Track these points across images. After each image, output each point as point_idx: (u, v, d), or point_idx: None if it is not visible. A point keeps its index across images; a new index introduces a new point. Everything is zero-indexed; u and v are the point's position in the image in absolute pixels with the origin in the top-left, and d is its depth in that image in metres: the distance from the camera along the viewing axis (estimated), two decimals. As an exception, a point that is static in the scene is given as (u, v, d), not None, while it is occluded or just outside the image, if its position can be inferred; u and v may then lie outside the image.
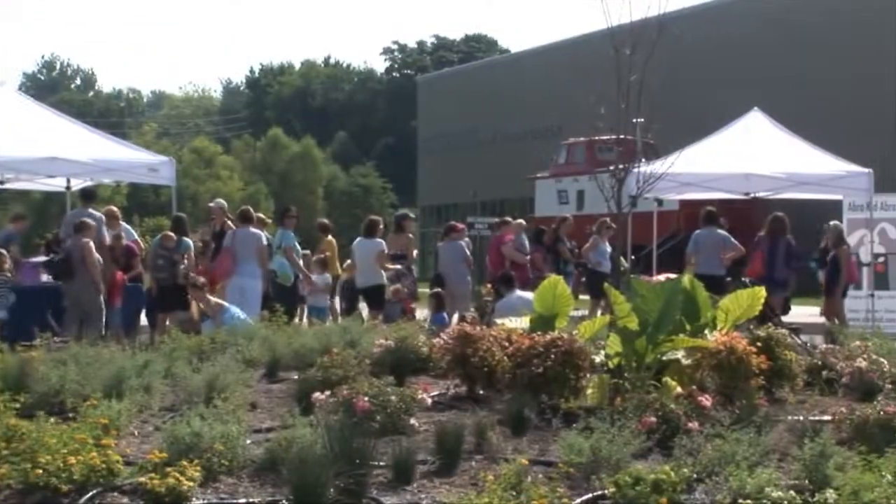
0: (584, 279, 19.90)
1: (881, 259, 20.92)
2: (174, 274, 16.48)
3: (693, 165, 16.70)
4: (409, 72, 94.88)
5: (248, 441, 7.03)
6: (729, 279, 17.51)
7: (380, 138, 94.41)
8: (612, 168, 11.95)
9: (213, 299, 14.72)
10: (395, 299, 17.00)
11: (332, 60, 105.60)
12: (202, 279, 15.24)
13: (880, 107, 37.11)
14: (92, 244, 15.43)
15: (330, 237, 19.81)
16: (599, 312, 16.49)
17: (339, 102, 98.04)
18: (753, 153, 17.56)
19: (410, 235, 19.13)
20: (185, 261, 16.68)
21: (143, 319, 17.36)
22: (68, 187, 19.65)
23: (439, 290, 17.13)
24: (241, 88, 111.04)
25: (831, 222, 18.02)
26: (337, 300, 19.25)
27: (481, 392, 8.80)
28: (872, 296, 18.49)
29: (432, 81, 69.78)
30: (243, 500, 6.11)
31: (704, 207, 18.38)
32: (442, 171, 60.77)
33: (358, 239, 17.60)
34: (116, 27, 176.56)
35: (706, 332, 9.37)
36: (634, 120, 11.90)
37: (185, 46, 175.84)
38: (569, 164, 37.29)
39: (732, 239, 17.90)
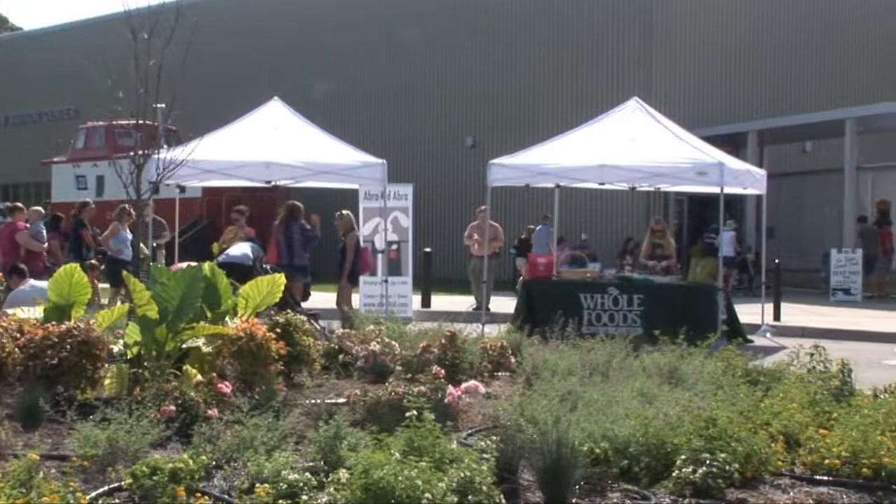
0: (103, 266, 19.40)
1: (394, 246, 21.94)
2: None
3: (215, 153, 16.72)
4: None
5: None
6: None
7: None
8: (131, 153, 11.72)
9: None
10: None
11: None
12: None
13: (394, 100, 38.95)
14: None
15: None
16: (119, 301, 16.12)
17: None
18: (274, 142, 17.75)
19: None
20: None
21: None
22: None
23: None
24: None
25: (343, 211, 18.63)
26: None
27: (-10, 387, 8.36)
28: (386, 282, 19.29)
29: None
30: None
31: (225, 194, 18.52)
32: (-53, 153, 56.84)
33: None
34: None
35: (227, 319, 9.43)
36: (155, 105, 11.73)
37: None
38: (87, 148, 36.25)
39: None
